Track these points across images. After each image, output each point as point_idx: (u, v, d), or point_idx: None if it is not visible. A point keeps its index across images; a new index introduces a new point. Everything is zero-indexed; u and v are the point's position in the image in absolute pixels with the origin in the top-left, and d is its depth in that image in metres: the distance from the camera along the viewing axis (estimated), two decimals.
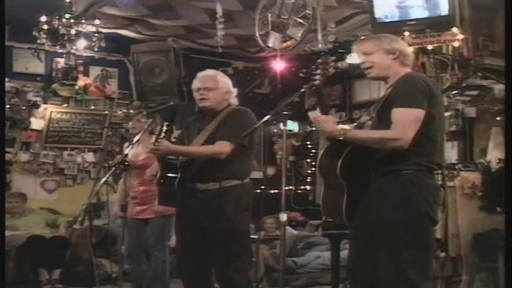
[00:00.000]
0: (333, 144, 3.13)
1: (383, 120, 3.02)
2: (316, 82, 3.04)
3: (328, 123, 3.03)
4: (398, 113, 2.94)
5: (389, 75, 3.15)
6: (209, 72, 4.07)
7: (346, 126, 3.12)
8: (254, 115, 3.98)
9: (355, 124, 3.28)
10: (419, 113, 2.93)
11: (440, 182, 4.26)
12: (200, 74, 4.06)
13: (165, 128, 3.66)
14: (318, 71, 3.04)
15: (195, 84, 4.03)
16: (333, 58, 3.10)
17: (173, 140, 4.00)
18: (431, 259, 3.11)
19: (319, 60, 3.07)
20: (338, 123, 3.10)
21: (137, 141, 4.42)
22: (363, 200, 3.05)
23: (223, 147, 3.81)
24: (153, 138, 3.73)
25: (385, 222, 2.96)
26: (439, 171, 3.10)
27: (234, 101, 4.09)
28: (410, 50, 3.27)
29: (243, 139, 3.81)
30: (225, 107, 4.01)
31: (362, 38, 3.33)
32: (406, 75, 3.08)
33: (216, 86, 3.97)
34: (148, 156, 4.93)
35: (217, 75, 4.04)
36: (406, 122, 2.92)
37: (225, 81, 4.03)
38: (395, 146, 2.92)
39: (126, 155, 4.27)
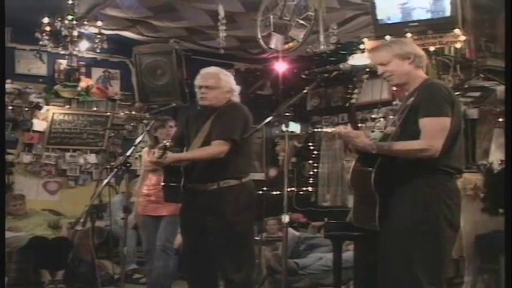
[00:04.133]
0: (362, 155, 3.15)
1: (407, 129, 3.05)
2: (353, 101, 3.07)
3: (360, 137, 3.06)
4: (426, 123, 2.97)
5: (409, 82, 3.17)
6: (212, 69, 4.02)
7: (375, 134, 3.14)
8: (247, 109, 3.95)
9: (382, 134, 3.28)
10: (446, 121, 2.98)
11: None
12: (203, 71, 4.02)
13: (168, 144, 3.67)
14: (356, 90, 3.07)
15: (197, 80, 3.99)
16: (366, 76, 3.13)
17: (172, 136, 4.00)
18: (444, 263, 3.09)
19: (355, 79, 3.10)
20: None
21: (139, 142, 4.44)
22: (389, 205, 3.07)
23: (219, 147, 3.79)
24: (157, 152, 3.71)
25: (403, 224, 2.99)
26: (458, 175, 3.12)
27: (236, 98, 4.04)
28: (422, 51, 3.28)
29: (235, 134, 3.79)
30: (222, 105, 3.96)
31: (373, 48, 3.34)
32: (427, 84, 3.11)
33: (218, 85, 3.92)
34: None
35: (220, 74, 3.98)
36: (435, 131, 2.96)
37: (227, 80, 3.97)
38: (426, 155, 2.95)
39: (129, 156, 4.27)
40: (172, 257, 5.14)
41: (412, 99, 3.07)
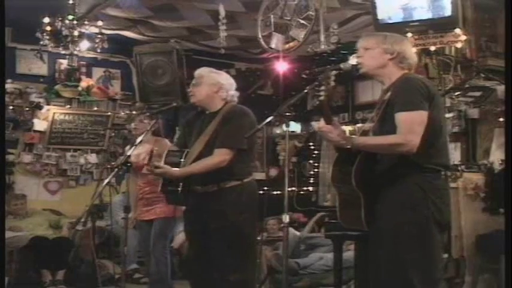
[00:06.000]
0: (342, 153, 3.12)
1: (385, 125, 3.00)
2: (321, 98, 3.03)
3: (333, 132, 2.99)
4: (402, 118, 2.91)
5: (382, 75, 3.13)
6: (197, 71, 4.08)
7: (348, 128, 3.11)
8: (253, 114, 3.94)
9: (361, 131, 3.26)
10: (423, 115, 2.91)
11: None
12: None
13: (155, 152, 3.68)
14: (322, 87, 3.04)
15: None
16: (334, 73, 3.10)
17: (175, 140, 4.00)
18: (436, 264, 3.05)
19: (321, 76, 3.06)
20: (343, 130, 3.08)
21: (140, 142, 4.42)
22: (375, 206, 3.04)
23: (223, 156, 3.77)
24: (147, 158, 3.78)
25: (391, 225, 2.96)
26: (446, 172, 3.08)
27: (231, 96, 4.00)
28: (414, 53, 3.24)
29: (242, 143, 3.78)
30: (222, 106, 3.95)
31: (369, 34, 3.32)
32: (404, 78, 3.06)
33: (201, 81, 3.95)
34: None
35: (202, 72, 4.03)
36: (411, 125, 2.89)
37: (210, 76, 3.98)
38: (403, 150, 2.90)
39: (129, 156, 4.27)
40: (168, 258, 5.11)
41: (388, 94, 3.04)
